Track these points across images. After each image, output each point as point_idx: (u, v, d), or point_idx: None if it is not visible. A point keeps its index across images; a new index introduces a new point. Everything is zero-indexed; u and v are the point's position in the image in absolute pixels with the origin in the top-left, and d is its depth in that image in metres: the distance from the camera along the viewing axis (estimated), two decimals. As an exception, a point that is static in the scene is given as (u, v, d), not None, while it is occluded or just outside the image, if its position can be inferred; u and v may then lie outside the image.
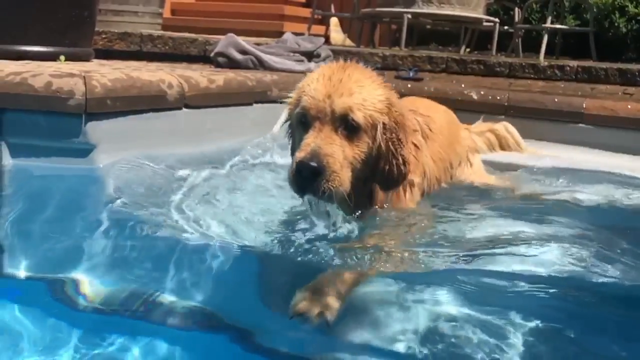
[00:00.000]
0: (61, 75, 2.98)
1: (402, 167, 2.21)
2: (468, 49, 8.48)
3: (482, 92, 4.40)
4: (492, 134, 3.57)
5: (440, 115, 2.95)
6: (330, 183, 2.01)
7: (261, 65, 4.60)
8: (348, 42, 9.14)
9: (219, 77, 3.74)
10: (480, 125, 3.60)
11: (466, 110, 4.35)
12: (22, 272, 1.94)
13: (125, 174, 2.84)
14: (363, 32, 8.71)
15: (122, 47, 5.45)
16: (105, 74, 3.15)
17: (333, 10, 9.23)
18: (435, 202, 2.61)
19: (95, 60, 4.38)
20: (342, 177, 2.05)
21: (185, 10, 10.33)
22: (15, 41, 3.88)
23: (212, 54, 4.86)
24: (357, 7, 8.31)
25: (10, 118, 2.94)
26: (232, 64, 4.65)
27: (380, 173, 2.21)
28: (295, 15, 10.01)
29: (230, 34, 4.83)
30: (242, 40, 4.72)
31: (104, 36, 5.41)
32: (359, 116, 2.12)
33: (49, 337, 1.59)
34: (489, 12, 9.26)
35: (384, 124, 2.18)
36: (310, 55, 4.98)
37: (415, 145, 2.42)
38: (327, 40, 8.87)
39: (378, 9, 7.54)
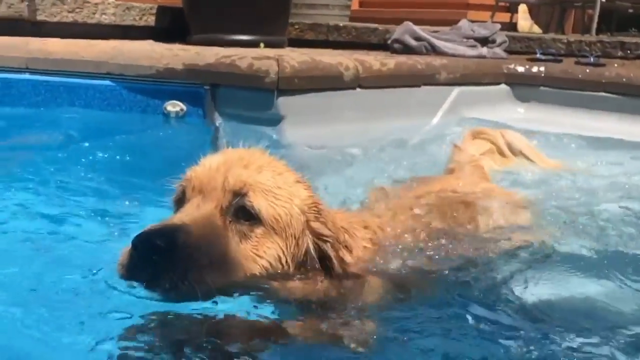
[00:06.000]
0: (260, 58, 3.61)
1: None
2: (675, 34, 7.65)
3: (671, 78, 4.11)
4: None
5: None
6: (187, 276, 1.34)
7: (434, 50, 4.86)
8: (535, 28, 8.83)
9: (391, 61, 4.10)
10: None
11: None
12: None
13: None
14: (552, 19, 8.37)
15: (312, 37, 6.11)
16: (294, 57, 3.72)
17: (521, -3, 8.98)
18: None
19: (288, 48, 5.06)
20: (215, 275, 1.39)
21: (372, 2, 10.86)
22: (226, 31, 4.76)
23: (389, 41, 5.24)
24: (545, -8, 8.02)
25: (222, 92, 3.68)
26: (407, 50, 4.98)
27: None
28: (479, 4, 9.92)
29: (407, 22, 5.15)
30: (417, 28, 5.02)
31: (296, 27, 6.12)
32: (260, 201, 1.49)
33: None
34: None
35: (315, 231, 1.55)
36: (484, 41, 5.09)
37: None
38: (515, 28, 8.70)
39: (567, -7, 7.21)
